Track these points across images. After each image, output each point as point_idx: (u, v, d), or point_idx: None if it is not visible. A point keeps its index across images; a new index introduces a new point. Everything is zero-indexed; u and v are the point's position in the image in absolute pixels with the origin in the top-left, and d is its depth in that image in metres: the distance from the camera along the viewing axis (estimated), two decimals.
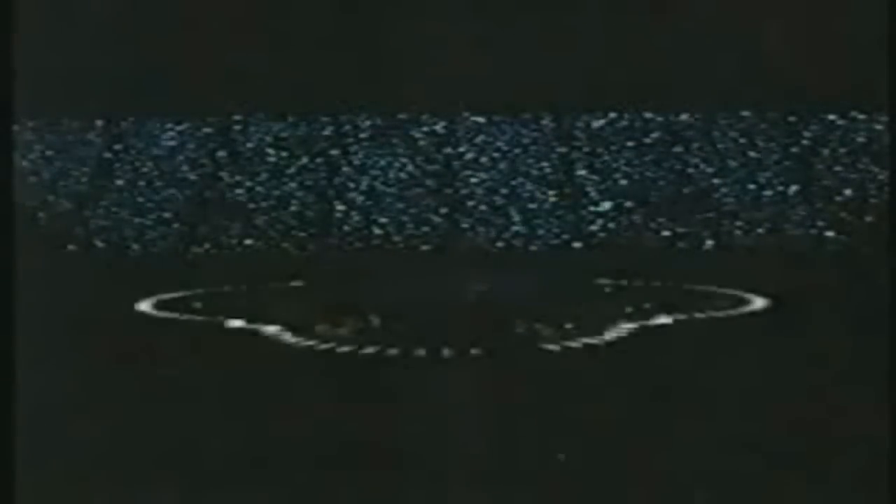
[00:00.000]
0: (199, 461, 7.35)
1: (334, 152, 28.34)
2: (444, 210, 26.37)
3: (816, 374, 10.22)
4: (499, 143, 28.37)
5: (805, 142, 27.89)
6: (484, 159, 27.99)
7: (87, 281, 20.83)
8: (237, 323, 14.17)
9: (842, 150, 27.36)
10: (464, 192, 26.96)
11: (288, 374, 10.65)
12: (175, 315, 15.28)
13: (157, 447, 7.67)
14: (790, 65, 27.06)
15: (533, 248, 25.38)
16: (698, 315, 14.86)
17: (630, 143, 28.23)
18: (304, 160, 28.14)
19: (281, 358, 11.62)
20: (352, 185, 27.32)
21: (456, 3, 27.72)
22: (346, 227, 26.05)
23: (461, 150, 28.28)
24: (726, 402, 8.99)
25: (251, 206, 26.63)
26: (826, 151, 27.44)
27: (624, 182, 27.04)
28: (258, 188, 27.23)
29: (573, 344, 11.94)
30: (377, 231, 25.88)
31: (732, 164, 27.38)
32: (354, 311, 14.75)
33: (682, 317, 14.45)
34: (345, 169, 27.84)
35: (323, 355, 11.52)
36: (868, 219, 25.00)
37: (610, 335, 12.70)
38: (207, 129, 29.16)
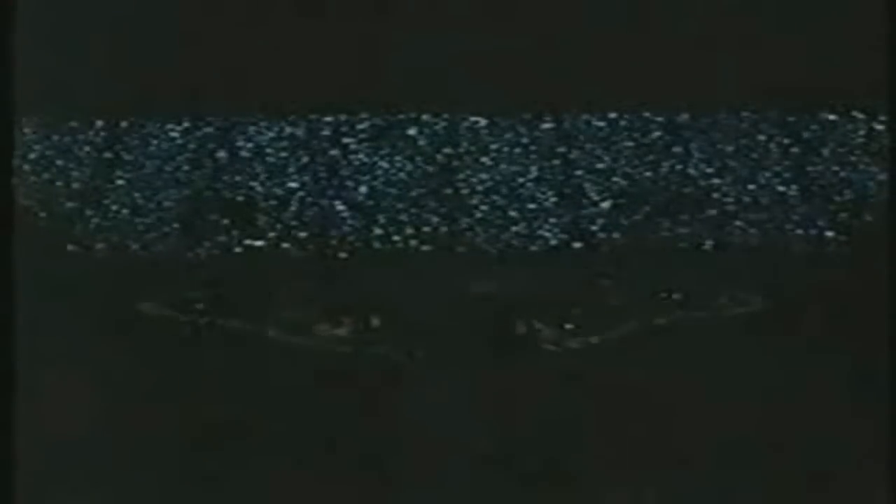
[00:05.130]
0: (199, 461, 7.35)
1: (334, 152, 28.33)
2: (444, 210, 26.36)
3: (816, 374, 10.22)
4: (499, 144, 28.36)
5: (805, 142, 27.90)
6: (484, 159, 27.98)
7: (87, 281, 20.81)
8: (237, 323, 14.16)
9: (842, 150, 27.35)
10: (464, 192, 26.95)
11: (288, 374, 10.64)
12: (175, 315, 15.27)
13: (157, 447, 7.67)
14: (790, 65, 27.05)
15: (533, 248, 25.37)
16: (698, 315, 14.85)
17: (630, 143, 28.23)
18: (305, 160, 28.13)
19: (281, 358, 11.61)
20: (352, 185, 27.31)
21: (456, 2, 27.72)
22: (346, 228, 26.02)
23: (461, 150, 28.27)
24: (726, 402, 8.98)
25: (251, 206, 26.62)
26: (826, 151, 27.43)
27: (624, 182, 27.03)
28: (258, 188, 27.21)
29: (573, 344, 11.93)
30: (377, 231, 25.86)
31: (732, 164, 27.38)
32: (354, 311, 14.74)
33: (682, 317, 14.44)
34: (344, 169, 27.82)
35: (323, 355, 11.51)
36: (868, 219, 24.98)
37: (610, 335, 12.69)
38: (207, 129, 29.16)
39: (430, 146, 28.89)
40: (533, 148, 28.85)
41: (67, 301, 15.15)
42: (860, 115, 28.11)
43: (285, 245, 25.52)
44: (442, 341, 11.44)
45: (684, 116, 28.93)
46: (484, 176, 27.69)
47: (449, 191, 27.11)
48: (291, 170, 28.05)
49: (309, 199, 27.17)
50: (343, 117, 29.60)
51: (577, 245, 25.20)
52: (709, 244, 25.07)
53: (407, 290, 18.09)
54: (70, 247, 25.34)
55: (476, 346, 11.31)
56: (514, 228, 26.02)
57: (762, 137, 28.37)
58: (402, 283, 19.87)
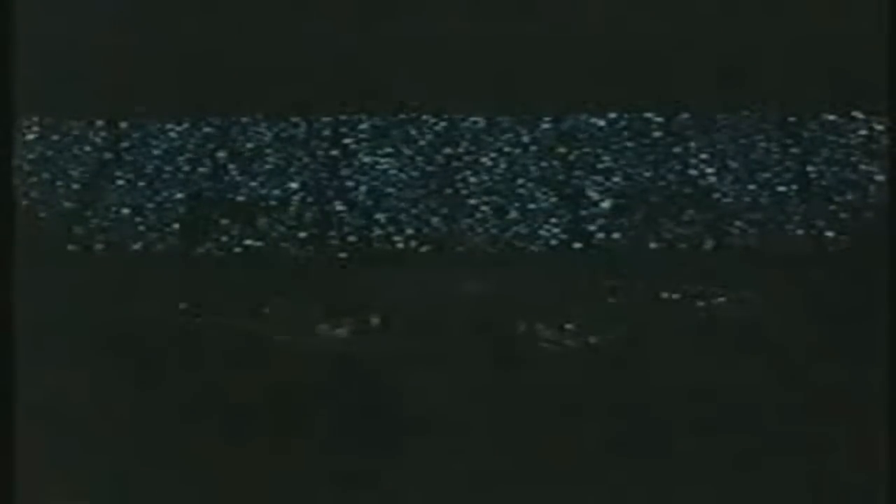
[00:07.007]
0: (199, 461, 7.36)
1: (334, 152, 28.34)
2: (444, 210, 26.38)
3: (816, 374, 10.23)
4: (499, 143, 28.37)
5: (805, 142, 27.91)
6: (484, 159, 27.99)
7: (87, 281, 20.82)
8: (237, 323, 14.18)
9: (841, 151, 27.35)
10: (464, 192, 26.96)
11: (288, 375, 10.66)
12: (175, 315, 15.29)
13: (157, 447, 7.68)
14: (790, 65, 27.07)
15: (533, 248, 25.37)
16: (698, 315, 14.87)
17: (630, 143, 28.23)
18: (305, 160, 28.14)
19: (281, 358, 11.62)
20: (352, 185, 27.32)
21: (456, 2, 27.74)
22: (346, 228, 26.03)
23: (461, 150, 28.28)
24: (726, 402, 8.99)
25: (251, 206, 26.62)
26: (825, 151, 27.44)
27: (624, 182, 27.03)
28: (258, 188, 27.22)
29: (573, 344, 11.94)
30: (377, 231, 25.86)
31: (732, 164, 27.38)
32: (354, 311, 14.76)
33: (682, 316, 14.46)
34: (344, 169, 27.83)
35: (323, 355, 11.52)
36: (868, 219, 24.99)
37: (610, 335, 12.70)
38: (207, 129, 29.16)
39: (430, 146, 28.94)
40: (533, 148, 28.91)
41: (67, 301, 15.18)
42: (860, 115, 28.14)
43: (285, 245, 25.55)
44: (441, 341, 11.45)
45: (684, 116, 29.02)
46: (484, 176, 27.75)
47: (449, 191, 27.16)
48: (292, 170, 28.10)
49: (309, 199, 27.26)
50: (343, 117, 29.71)
51: (577, 245, 25.23)
52: (709, 244, 25.12)
53: (407, 290, 18.12)
54: (70, 247, 25.39)
55: (475, 347, 11.33)
56: (514, 228, 26.06)
57: (762, 137, 28.43)
58: (401, 282, 19.91)
